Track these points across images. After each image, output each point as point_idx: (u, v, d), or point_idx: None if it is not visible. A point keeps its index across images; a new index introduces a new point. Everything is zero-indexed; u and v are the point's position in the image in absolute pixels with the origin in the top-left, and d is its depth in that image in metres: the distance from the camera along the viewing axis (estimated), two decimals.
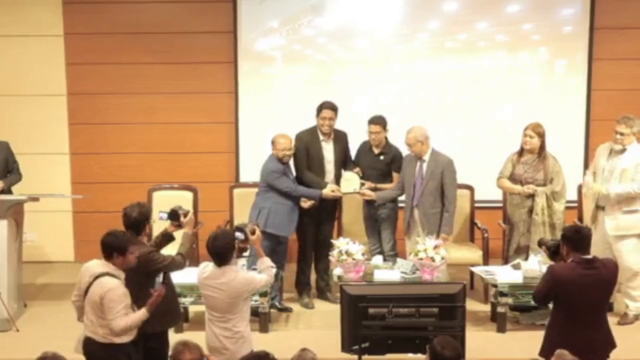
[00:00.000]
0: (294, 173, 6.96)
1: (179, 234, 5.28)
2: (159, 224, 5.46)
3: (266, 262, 5.18)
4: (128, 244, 4.72)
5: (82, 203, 8.03)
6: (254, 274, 5.16)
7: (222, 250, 4.85)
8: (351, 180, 6.93)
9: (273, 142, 6.80)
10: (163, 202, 7.35)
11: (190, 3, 8.13)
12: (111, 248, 4.68)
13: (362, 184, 6.90)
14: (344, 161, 7.07)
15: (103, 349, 4.61)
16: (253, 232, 5.21)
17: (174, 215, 5.26)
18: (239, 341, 4.83)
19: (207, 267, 4.96)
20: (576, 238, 4.83)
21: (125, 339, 4.64)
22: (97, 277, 4.62)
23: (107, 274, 4.63)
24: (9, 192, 7.00)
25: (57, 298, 7.23)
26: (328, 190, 6.82)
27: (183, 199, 7.36)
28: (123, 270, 4.71)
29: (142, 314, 4.66)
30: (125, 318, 4.59)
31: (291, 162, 6.93)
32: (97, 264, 4.74)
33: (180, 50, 8.14)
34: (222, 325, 4.83)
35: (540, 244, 5.36)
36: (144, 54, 8.15)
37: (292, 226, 6.84)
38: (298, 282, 7.11)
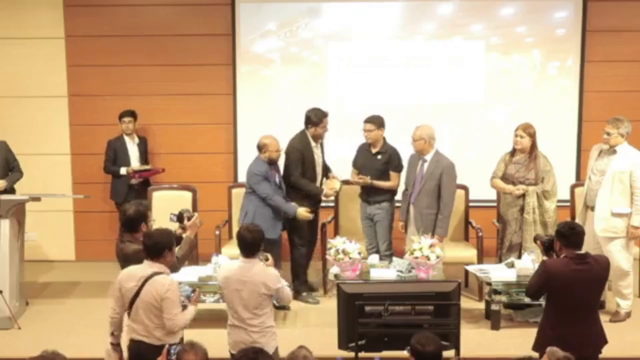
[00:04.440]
0: (282, 173, 7.01)
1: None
2: (158, 224, 5.53)
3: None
4: (174, 240, 4.73)
5: (83, 203, 8.08)
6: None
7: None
8: (333, 181, 7.10)
9: (264, 145, 6.79)
10: (162, 202, 7.44)
11: (190, 6, 8.18)
12: (163, 246, 4.60)
13: (344, 182, 7.12)
14: (324, 163, 7.20)
15: (157, 351, 4.47)
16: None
17: (179, 218, 5.38)
18: (267, 334, 4.88)
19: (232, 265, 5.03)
20: (570, 234, 4.90)
21: (177, 338, 4.62)
22: (147, 279, 4.53)
23: (159, 272, 4.56)
24: (12, 190, 7.06)
25: (58, 296, 7.32)
26: (302, 211, 6.83)
27: (182, 199, 7.43)
28: (169, 267, 4.67)
29: (193, 310, 4.70)
30: (183, 315, 4.59)
31: (281, 164, 7.01)
32: (139, 268, 4.62)
33: (179, 52, 8.19)
34: (251, 321, 4.84)
35: (536, 239, 5.49)
36: (144, 56, 8.20)
37: (276, 229, 6.84)
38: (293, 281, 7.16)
